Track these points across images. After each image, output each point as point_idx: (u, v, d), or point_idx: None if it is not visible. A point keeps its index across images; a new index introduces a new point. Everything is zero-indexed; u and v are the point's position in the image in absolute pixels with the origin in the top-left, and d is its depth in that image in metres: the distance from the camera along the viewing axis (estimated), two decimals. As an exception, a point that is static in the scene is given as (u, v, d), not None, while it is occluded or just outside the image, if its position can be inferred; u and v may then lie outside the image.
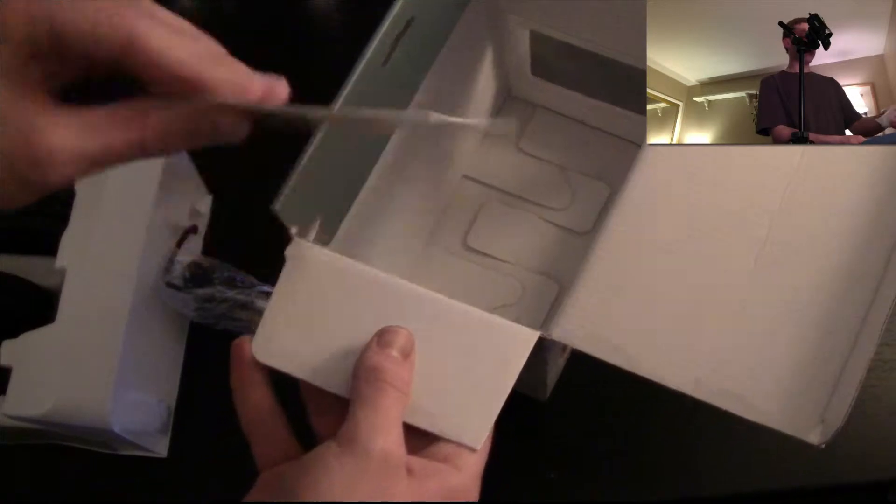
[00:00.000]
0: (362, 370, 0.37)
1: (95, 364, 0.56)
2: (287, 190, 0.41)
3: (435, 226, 0.64)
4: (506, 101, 0.68)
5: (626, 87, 0.63)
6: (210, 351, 0.64)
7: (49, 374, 0.55)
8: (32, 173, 0.30)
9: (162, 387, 0.62)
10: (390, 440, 0.35)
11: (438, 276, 0.62)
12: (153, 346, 0.61)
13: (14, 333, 0.57)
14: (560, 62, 0.63)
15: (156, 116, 0.32)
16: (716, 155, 0.45)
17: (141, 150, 0.32)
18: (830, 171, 0.44)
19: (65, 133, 0.30)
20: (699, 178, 0.45)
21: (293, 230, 0.42)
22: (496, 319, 0.41)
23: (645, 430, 0.60)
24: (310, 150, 0.42)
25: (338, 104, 0.43)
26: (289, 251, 0.42)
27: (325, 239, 0.45)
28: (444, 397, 0.39)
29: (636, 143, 0.64)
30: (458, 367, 0.40)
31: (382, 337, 0.39)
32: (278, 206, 0.41)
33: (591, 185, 0.64)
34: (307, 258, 0.42)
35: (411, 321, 0.40)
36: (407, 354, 0.38)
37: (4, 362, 0.56)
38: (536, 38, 0.61)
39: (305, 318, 0.41)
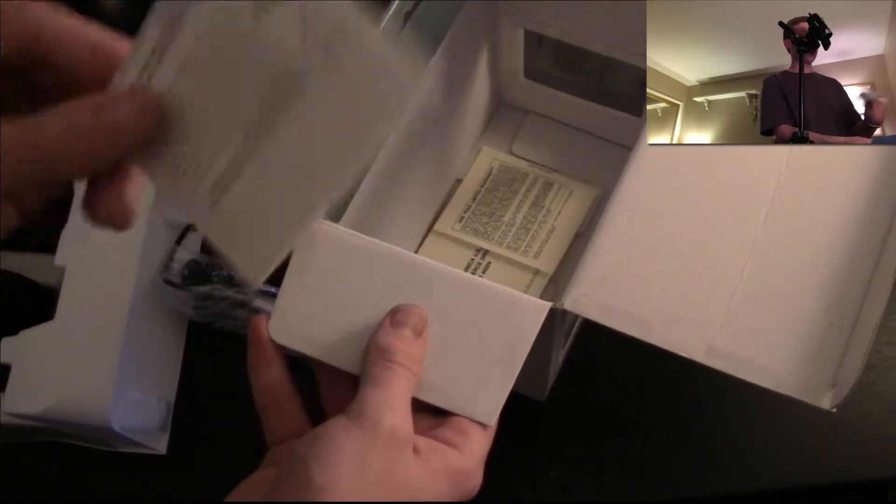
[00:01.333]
0: (374, 350, 0.38)
1: (95, 361, 0.56)
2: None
3: (429, 229, 0.64)
4: (498, 106, 0.68)
5: (621, 88, 0.63)
6: (209, 348, 0.64)
7: (48, 372, 0.55)
8: None
9: (161, 384, 0.62)
10: (398, 417, 0.35)
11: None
12: (152, 344, 0.61)
13: (13, 331, 0.57)
14: (553, 64, 0.63)
15: (53, 118, 0.31)
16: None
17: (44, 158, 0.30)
18: (823, 168, 0.44)
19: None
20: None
21: None
22: (508, 291, 0.40)
23: (644, 431, 0.59)
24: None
25: None
26: None
27: None
28: (457, 373, 0.39)
29: (627, 147, 0.65)
30: (472, 341, 0.40)
31: (395, 316, 0.39)
32: None
33: (582, 187, 0.65)
34: (318, 234, 0.41)
35: (424, 296, 0.40)
36: (419, 332, 0.39)
37: (4, 359, 0.56)
38: (531, 40, 0.61)
39: (318, 296, 0.40)
